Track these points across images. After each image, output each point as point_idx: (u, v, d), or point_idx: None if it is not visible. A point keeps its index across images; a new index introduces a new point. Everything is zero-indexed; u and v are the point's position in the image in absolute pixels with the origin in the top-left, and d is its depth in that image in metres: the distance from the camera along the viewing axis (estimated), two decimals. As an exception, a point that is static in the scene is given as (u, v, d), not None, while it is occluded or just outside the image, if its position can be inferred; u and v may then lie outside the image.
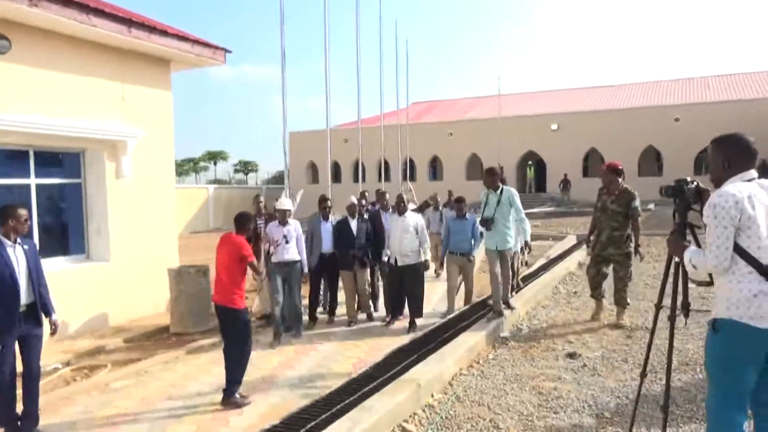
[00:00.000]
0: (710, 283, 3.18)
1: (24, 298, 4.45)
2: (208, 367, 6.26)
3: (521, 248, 9.08)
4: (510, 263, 7.41)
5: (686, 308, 3.17)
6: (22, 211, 4.50)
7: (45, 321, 4.65)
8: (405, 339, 6.83)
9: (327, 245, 7.97)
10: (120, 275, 8.42)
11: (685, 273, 3.14)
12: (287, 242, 7.20)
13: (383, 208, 9.01)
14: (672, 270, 3.28)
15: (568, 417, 4.25)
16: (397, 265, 7.56)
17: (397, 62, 18.54)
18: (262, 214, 8.80)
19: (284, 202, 7.56)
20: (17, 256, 4.44)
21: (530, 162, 36.00)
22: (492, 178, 7.08)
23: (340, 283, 8.26)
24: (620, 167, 6.94)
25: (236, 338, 5.20)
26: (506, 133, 32.15)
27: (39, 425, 4.61)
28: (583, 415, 4.26)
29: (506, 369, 5.39)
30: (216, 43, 9.68)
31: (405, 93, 19.17)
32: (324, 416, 4.38)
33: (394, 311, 7.83)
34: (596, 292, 7.18)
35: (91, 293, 7.97)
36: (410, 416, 4.38)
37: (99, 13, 7.68)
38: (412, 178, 30.64)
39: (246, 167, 61.99)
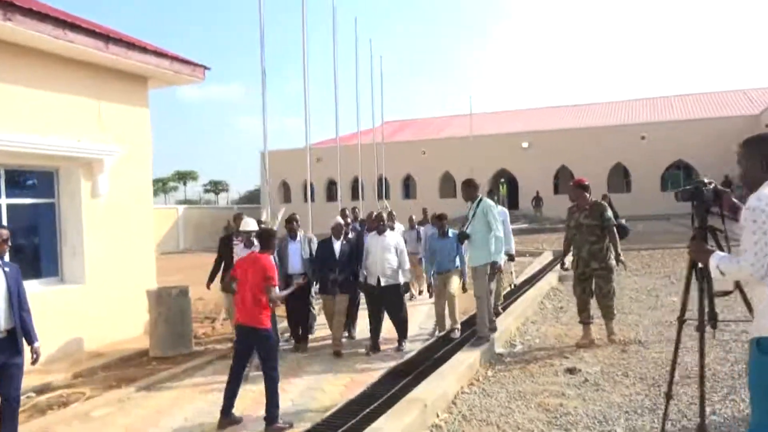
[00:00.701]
0: (729, 293, 3.08)
1: (3, 323, 4.17)
2: (194, 392, 5.98)
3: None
4: (485, 281, 6.62)
5: (714, 320, 3.03)
6: (2, 231, 4.25)
7: (26, 348, 4.37)
8: (396, 359, 6.68)
9: (295, 266, 7.58)
10: (96, 298, 8.05)
11: (710, 281, 3.02)
12: None
13: (371, 229, 8.77)
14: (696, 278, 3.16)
15: (580, 434, 4.16)
16: (379, 285, 7.28)
17: (372, 82, 18.57)
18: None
19: (249, 223, 7.18)
20: (-4, 278, 4.17)
21: (502, 179, 36.42)
22: (467, 189, 6.87)
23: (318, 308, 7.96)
24: (586, 182, 6.99)
25: (266, 359, 4.90)
26: (478, 152, 32.51)
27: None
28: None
29: (508, 386, 5.28)
30: (194, 60, 9.52)
31: (380, 112, 19.22)
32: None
33: (376, 334, 7.40)
34: (584, 315, 6.82)
35: (65, 317, 7.58)
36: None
37: (76, 28, 7.45)
38: (387, 197, 30.64)
39: (216, 187, 61.28)
